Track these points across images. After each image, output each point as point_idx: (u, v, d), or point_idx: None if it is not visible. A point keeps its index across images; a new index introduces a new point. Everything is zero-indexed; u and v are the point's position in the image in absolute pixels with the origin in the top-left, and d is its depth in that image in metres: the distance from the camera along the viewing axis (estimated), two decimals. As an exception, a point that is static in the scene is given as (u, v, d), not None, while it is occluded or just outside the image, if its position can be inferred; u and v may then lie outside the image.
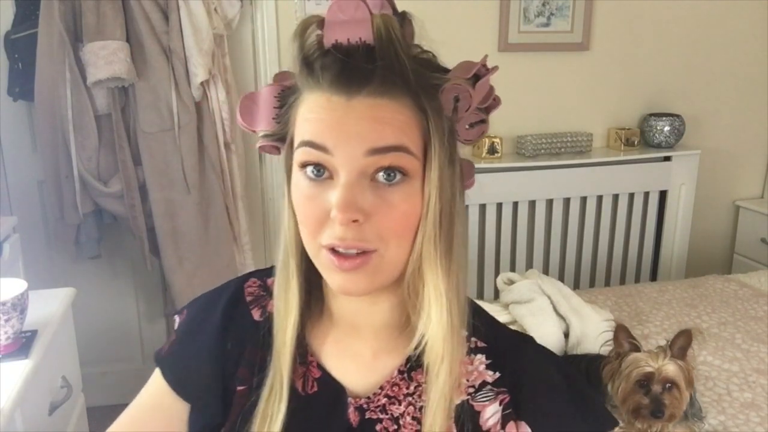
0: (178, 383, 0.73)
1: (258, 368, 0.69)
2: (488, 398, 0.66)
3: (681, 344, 1.47)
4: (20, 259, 1.92)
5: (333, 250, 0.59)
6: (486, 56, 0.62)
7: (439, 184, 0.59)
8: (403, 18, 0.62)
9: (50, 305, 1.51)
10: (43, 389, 1.39)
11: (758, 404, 1.68)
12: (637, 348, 1.50)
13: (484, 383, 0.67)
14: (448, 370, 0.62)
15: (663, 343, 1.92)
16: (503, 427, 0.66)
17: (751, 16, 2.90)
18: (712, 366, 1.84)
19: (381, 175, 0.58)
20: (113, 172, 2.18)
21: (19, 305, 1.29)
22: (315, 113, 0.59)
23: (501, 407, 0.66)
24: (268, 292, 0.74)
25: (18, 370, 1.26)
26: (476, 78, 0.60)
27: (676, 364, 1.44)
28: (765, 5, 2.90)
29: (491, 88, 0.63)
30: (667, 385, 1.44)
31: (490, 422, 0.66)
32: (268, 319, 0.71)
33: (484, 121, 0.63)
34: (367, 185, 0.58)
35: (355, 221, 0.57)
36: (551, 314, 1.92)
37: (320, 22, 0.60)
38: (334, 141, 0.57)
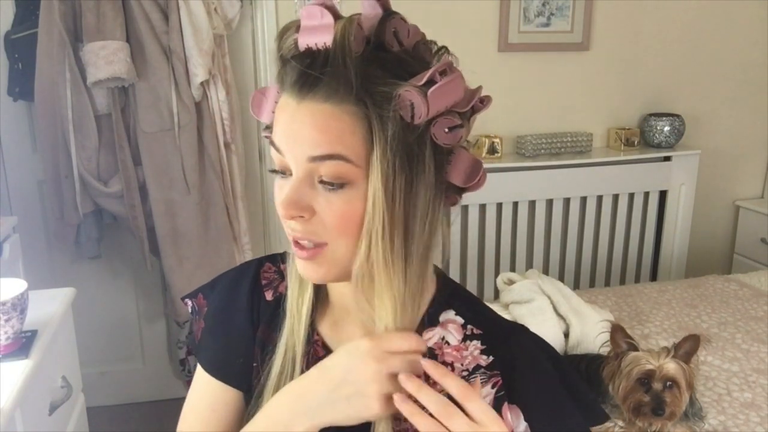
0: (219, 372, 0.77)
1: (267, 346, 0.73)
2: (481, 381, 0.68)
3: (687, 349, 1.47)
4: (20, 259, 1.92)
5: (294, 239, 0.65)
6: (447, 61, 0.62)
7: (383, 190, 0.60)
8: (386, 19, 0.62)
9: (50, 305, 1.51)
10: (43, 389, 1.39)
11: (758, 404, 1.68)
12: (634, 347, 1.50)
13: (478, 367, 0.70)
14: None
15: (665, 343, 1.92)
16: (497, 409, 0.67)
17: (751, 16, 2.90)
18: (712, 366, 1.84)
19: (326, 179, 0.61)
20: (113, 172, 2.18)
21: (19, 305, 1.29)
22: (278, 114, 0.63)
23: (494, 390, 0.68)
24: (281, 276, 0.79)
25: (18, 370, 1.26)
26: (431, 83, 0.60)
27: (677, 363, 1.44)
28: (765, 5, 2.91)
29: (475, 91, 0.64)
30: (668, 383, 1.44)
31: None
32: (277, 299, 0.76)
33: (461, 126, 0.63)
34: (315, 185, 0.62)
35: (301, 217, 0.62)
36: (551, 314, 1.92)
37: (299, 26, 0.63)
38: (284, 144, 0.62)
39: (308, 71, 0.60)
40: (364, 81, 0.59)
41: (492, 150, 2.59)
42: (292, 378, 0.70)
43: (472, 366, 0.70)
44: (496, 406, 0.67)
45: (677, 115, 2.79)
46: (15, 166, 2.31)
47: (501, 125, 2.65)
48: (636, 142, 2.79)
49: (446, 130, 0.62)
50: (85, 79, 2.06)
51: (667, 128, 2.76)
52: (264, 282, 0.79)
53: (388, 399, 0.60)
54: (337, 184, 0.61)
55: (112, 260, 2.50)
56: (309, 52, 0.61)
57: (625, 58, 2.79)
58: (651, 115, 2.82)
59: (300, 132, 0.60)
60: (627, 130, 2.79)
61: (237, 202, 2.35)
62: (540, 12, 2.63)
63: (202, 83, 2.15)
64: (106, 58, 2.01)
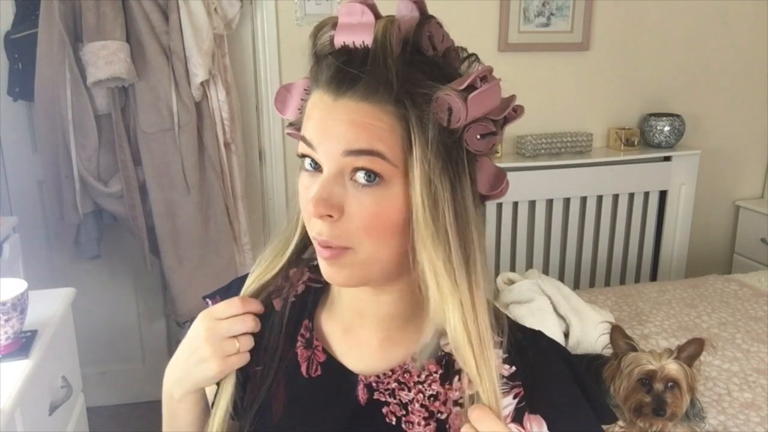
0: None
1: (275, 352, 0.73)
2: (502, 391, 0.68)
3: (690, 352, 1.47)
4: (20, 259, 1.92)
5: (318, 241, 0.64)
6: (488, 67, 0.62)
7: (424, 192, 0.59)
8: (423, 23, 0.62)
9: (50, 305, 1.51)
10: (43, 389, 1.39)
11: (758, 404, 1.68)
12: (633, 347, 1.50)
13: (500, 376, 0.68)
14: (485, 372, 0.63)
15: (665, 343, 1.92)
16: (518, 419, 0.67)
17: (751, 16, 2.90)
18: (712, 366, 1.84)
19: (360, 176, 0.60)
20: (113, 172, 2.18)
21: (19, 305, 1.29)
22: (311, 111, 0.62)
23: (515, 400, 0.68)
24: (289, 282, 0.78)
25: (18, 370, 1.26)
26: (472, 89, 0.60)
27: (678, 364, 1.44)
28: (765, 5, 2.90)
29: (509, 99, 0.64)
30: (669, 383, 1.44)
31: (502, 414, 0.67)
32: (286, 308, 0.75)
33: (494, 133, 0.63)
34: (345, 183, 0.61)
35: (329, 216, 0.60)
36: (551, 314, 1.92)
37: (335, 23, 0.62)
38: (318, 139, 0.61)
39: (347, 69, 0.59)
40: (404, 82, 0.59)
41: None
42: (271, 371, 0.72)
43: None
44: (518, 416, 0.67)
45: (677, 115, 2.79)
46: (15, 166, 2.31)
47: (501, 125, 2.64)
48: (636, 142, 2.79)
49: (478, 136, 0.62)
50: (85, 79, 2.06)
51: (667, 128, 2.76)
52: (271, 288, 0.78)
53: (225, 358, 0.68)
54: (371, 178, 0.60)
55: (112, 260, 2.50)
56: (346, 49, 0.61)
57: (625, 58, 2.79)
58: (651, 115, 2.81)
59: (335, 128, 0.59)
60: (627, 130, 2.78)
61: (237, 202, 2.35)
62: (540, 12, 2.63)
63: (202, 83, 2.15)
64: (106, 58, 2.01)
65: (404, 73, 0.59)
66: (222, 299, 0.81)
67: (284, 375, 0.72)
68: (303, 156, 0.63)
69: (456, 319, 0.62)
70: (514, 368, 0.69)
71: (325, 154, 0.61)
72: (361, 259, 0.63)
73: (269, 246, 0.74)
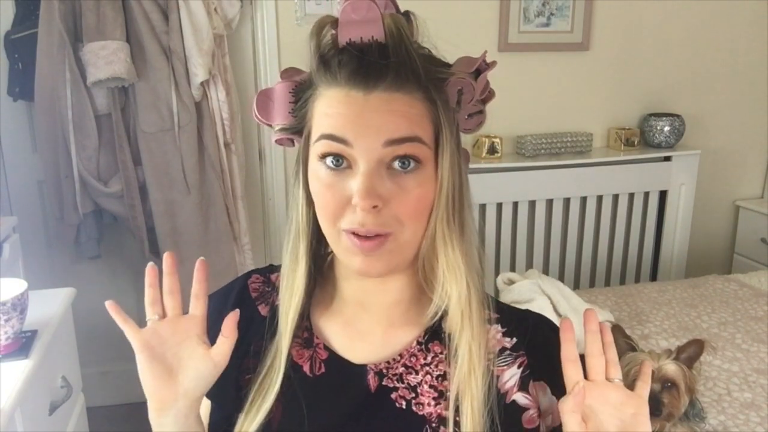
0: (211, 394, 0.76)
1: (265, 357, 0.73)
2: (507, 362, 0.71)
3: (690, 353, 1.47)
4: (20, 259, 1.92)
5: (353, 234, 0.63)
6: (485, 52, 0.67)
7: (450, 169, 0.64)
8: (407, 17, 0.65)
9: (50, 305, 1.51)
10: (43, 389, 1.39)
11: (758, 404, 1.68)
12: (633, 347, 1.50)
13: (503, 349, 0.72)
14: (470, 336, 0.67)
15: (665, 343, 1.92)
16: (525, 388, 0.71)
17: (751, 16, 2.90)
18: (712, 366, 1.84)
19: (397, 163, 0.63)
20: (113, 172, 2.18)
21: (19, 305, 1.29)
22: (334, 108, 0.63)
23: (520, 369, 0.71)
24: (272, 287, 0.78)
25: (18, 370, 1.26)
26: (478, 72, 0.65)
27: (677, 365, 1.44)
28: (765, 5, 2.90)
29: (488, 81, 0.68)
30: (667, 384, 1.44)
31: (508, 385, 0.71)
32: (274, 311, 0.75)
33: (481, 112, 0.68)
34: (384, 173, 0.63)
35: (374, 207, 0.62)
36: (551, 314, 1.92)
37: (334, 22, 0.64)
38: (354, 134, 0.62)
39: (377, 62, 0.61)
40: (424, 69, 0.63)
41: (492, 150, 2.59)
42: (277, 377, 0.70)
43: (497, 348, 0.72)
44: (523, 384, 0.70)
45: (677, 115, 2.79)
46: (15, 166, 2.30)
47: (501, 125, 2.65)
48: (636, 142, 2.79)
49: (467, 116, 0.67)
50: (85, 79, 2.06)
51: (667, 128, 2.76)
52: (254, 295, 0.78)
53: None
54: (413, 163, 0.62)
55: (112, 260, 2.50)
56: (358, 45, 0.63)
57: (625, 58, 2.79)
58: (651, 115, 2.81)
59: (374, 120, 0.61)
60: (627, 130, 2.78)
61: (237, 202, 2.35)
62: (540, 12, 2.63)
63: (202, 83, 2.15)
64: (106, 58, 2.01)
65: (420, 61, 0.63)
66: (211, 303, 0.80)
67: (282, 378, 0.71)
68: (325, 156, 0.63)
69: (453, 285, 0.66)
70: (515, 339, 0.72)
71: (364, 148, 0.62)
72: (400, 244, 0.65)
73: (283, 269, 0.73)
